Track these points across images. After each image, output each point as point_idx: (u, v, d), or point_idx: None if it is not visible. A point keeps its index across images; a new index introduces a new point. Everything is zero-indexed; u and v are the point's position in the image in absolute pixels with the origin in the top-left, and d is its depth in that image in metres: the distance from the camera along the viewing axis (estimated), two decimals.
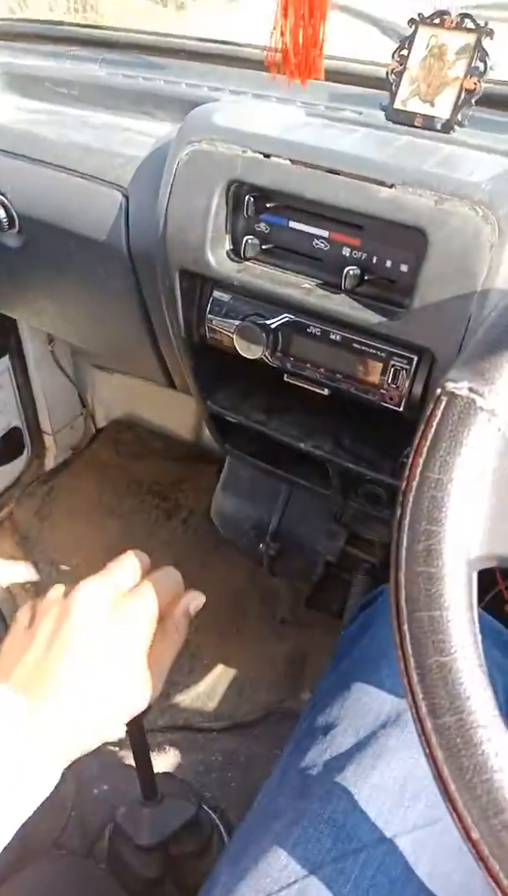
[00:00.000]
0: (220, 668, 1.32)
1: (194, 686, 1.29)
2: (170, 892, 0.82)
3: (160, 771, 0.94)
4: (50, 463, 1.64)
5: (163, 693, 1.29)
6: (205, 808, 0.91)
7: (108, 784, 0.87)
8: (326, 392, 0.73)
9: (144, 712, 0.63)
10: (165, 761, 1.09)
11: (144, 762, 0.75)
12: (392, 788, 0.56)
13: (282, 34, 0.55)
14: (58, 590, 0.54)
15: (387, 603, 0.68)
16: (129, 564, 0.54)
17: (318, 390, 0.74)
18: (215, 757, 1.15)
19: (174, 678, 1.30)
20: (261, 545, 1.06)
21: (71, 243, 0.81)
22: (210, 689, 1.30)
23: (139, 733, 0.71)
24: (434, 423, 0.41)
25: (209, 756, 1.15)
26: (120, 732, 0.50)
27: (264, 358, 0.70)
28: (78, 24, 1.17)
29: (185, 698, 1.27)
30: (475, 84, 0.65)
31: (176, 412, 1.59)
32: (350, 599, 1.02)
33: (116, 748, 1.13)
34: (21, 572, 1.45)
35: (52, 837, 0.77)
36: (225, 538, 1.15)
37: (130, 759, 1.10)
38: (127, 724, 0.64)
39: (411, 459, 0.41)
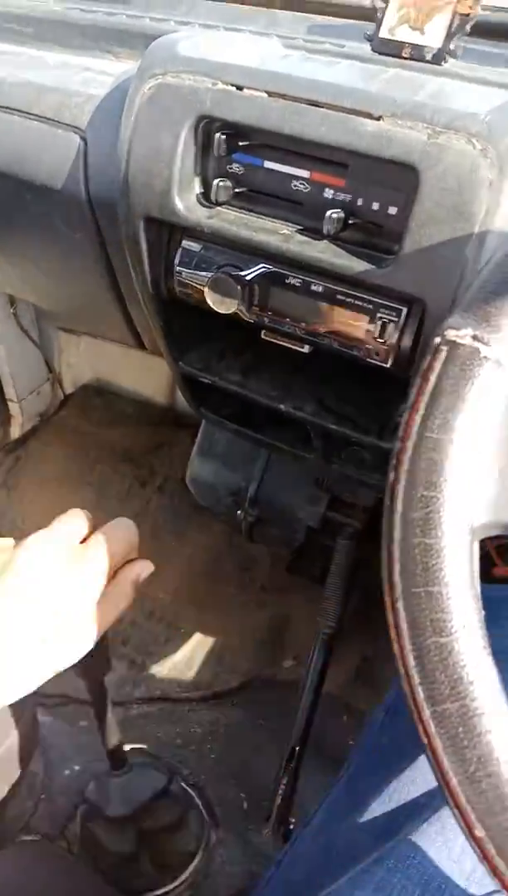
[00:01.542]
0: (198, 636, 1.29)
1: (170, 656, 1.26)
2: (145, 870, 0.80)
3: (136, 745, 0.91)
4: (16, 431, 1.58)
5: (138, 663, 1.27)
6: (180, 782, 0.88)
7: (79, 764, 0.84)
8: (306, 349, 0.69)
9: (104, 674, 0.64)
10: (140, 734, 1.06)
11: (108, 730, 0.72)
12: None
13: None
14: (6, 542, 0.52)
15: None
16: (75, 520, 0.52)
17: (298, 348, 0.69)
18: (193, 729, 1.12)
19: (150, 648, 1.27)
20: (239, 512, 1.02)
21: (25, 193, 0.75)
22: (188, 658, 1.27)
23: (101, 700, 0.69)
24: (433, 377, 0.36)
25: (187, 728, 1.12)
26: (47, 677, 0.49)
27: (240, 313, 0.65)
28: None
29: (161, 669, 1.24)
30: (469, 8, 0.59)
31: (148, 375, 1.53)
32: (333, 567, 0.99)
33: (87, 725, 1.10)
34: None
35: (21, 823, 0.74)
36: (202, 505, 1.11)
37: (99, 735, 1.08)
38: (89, 692, 0.65)
39: (406, 417, 0.37)
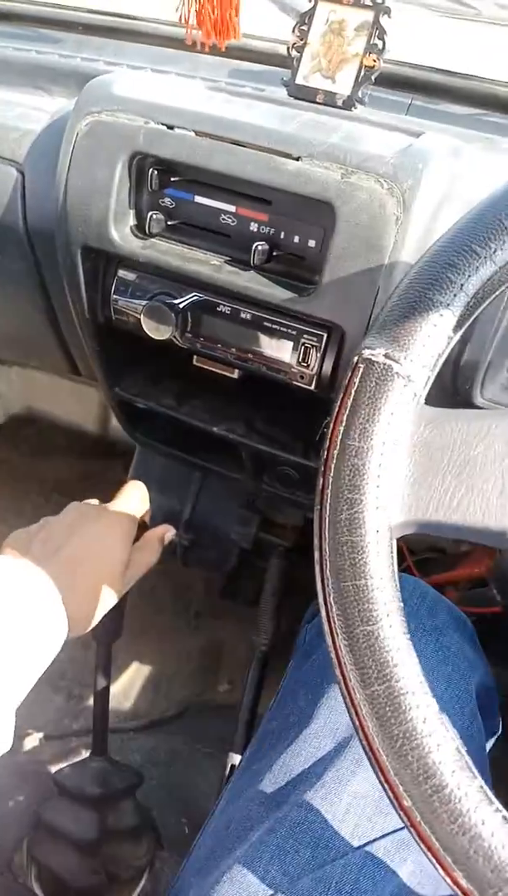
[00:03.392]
0: (134, 665, 1.29)
1: None
2: (96, 869, 0.80)
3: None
4: None
5: (76, 695, 1.26)
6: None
7: (24, 793, 0.83)
8: (236, 375, 0.72)
9: (113, 640, 0.74)
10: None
11: (102, 713, 0.79)
12: (372, 795, 0.54)
13: None
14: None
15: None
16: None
17: (228, 373, 0.72)
18: (133, 756, 1.12)
19: (87, 679, 1.25)
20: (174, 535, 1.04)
21: None
22: (126, 688, 1.26)
23: (105, 670, 0.77)
24: (353, 391, 0.40)
25: (127, 756, 1.12)
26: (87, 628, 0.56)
27: (174, 339, 0.68)
28: None
29: None
30: (374, 61, 0.65)
31: (79, 404, 1.53)
32: (266, 585, 1.01)
33: (33, 743, 1.09)
34: None
35: None
36: None
37: (44, 758, 1.07)
38: (97, 656, 0.77)
39: (331, 429, 0.40)
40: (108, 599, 0.57)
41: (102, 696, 0.78)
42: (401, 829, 0.52)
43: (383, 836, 0.53)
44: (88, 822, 0.79)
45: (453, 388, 0.62)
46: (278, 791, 0.55)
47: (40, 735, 1.15)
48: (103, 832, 0.79)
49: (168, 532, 0.65)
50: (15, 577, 0.51)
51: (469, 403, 0.62)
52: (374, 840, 0.52)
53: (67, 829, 0.79)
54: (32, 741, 1.14)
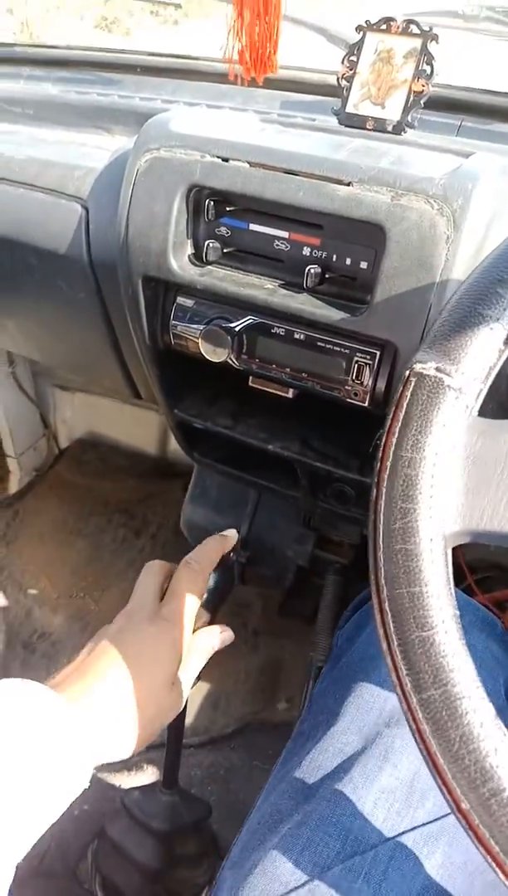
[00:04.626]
0: None
1: None
2: (158, 892, 0.81)
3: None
4: (14, 486, 1.62)
5: None
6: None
7: (88, 804, 0.85)
8: (290, 394, 0.74)
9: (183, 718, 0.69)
10: (144, 780, 1.07)
11: (175, 747, 0.78)
12: (400, 790, 0.55)
13: (238, 33, 0.56)
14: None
15: None
16: (149, 581, 0.58)
17: (283, 393, 0.74)
18: (193, 772, 1.13)
19: None
20: (231, 554, 1.06)
21: (32, 257, 0.81)
22: (186, 706, 1.28)
23: (178, 730, 0.76)
24: (405, 404, 0.41)
25: (189, 772, 1.13)
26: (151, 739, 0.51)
27: (230, 361, 0.71)
28: (30, 45, 1.17)
29: None
30: (423, 86, 0.67)
31: (139, 428, 1.58)
32: (323, 601, 1.02)
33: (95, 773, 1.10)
34: None
35: (33, 867, 0.75)
36: None
37: (108, 777, 1.09)
38: (169, 727, 0.69)
39: (384, 441, 0.42)
40: (165, 712, 0.52)
41: (177, 730, 0.78)
42: (430, 822, 0.54)
43: (412, 829, 0.53)
44: (154, 851, 0.80)
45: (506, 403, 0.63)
46: (307, 786, 0.57)
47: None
48: (168, 862, 0.80)
49: (225, 633, 0.60)
50: (46, 712, 0.45)
51: None
52: (403, 833, 0.53)
53: (131, 852, 0.80)
54: None
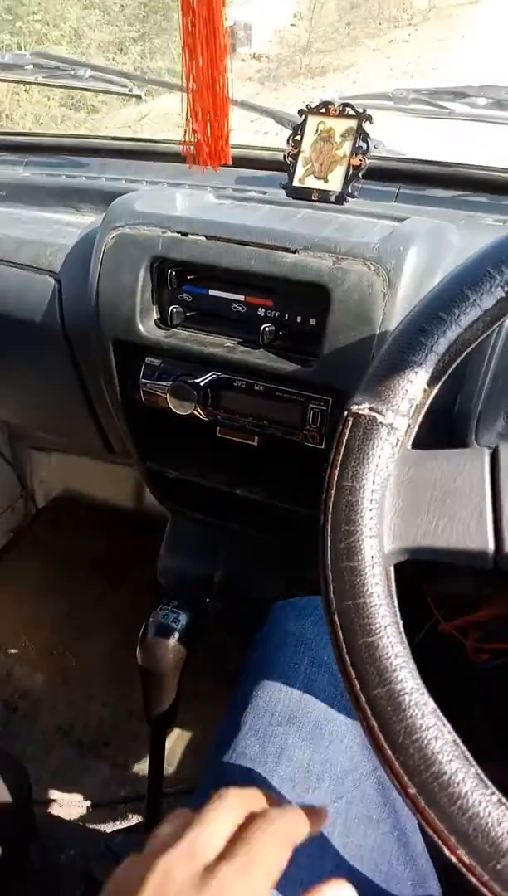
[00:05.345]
0: (176, 732, 1.32)
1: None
2: None
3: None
4: None
5: (120, 764, 1.29)
6: None
7: (74, 849, 0.87)
8: (255, 442, 0.80)
9: (165, 738, 0.78)
10: (128, 823, 1.09)
11: (156, 789, 0.82)
12: (298, 776, 0.61)
13: (194, 130, 0.65)
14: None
15: (275, 620, 0.77)
16: (216, 826, 0.43)
17: (248, 441, 0.80)
18: None
19: (131, 747, 1.30)
20: (208, 599, 1.10)
21: (7, 328, 0.88)
22: (168, 754, 1.29)
23: (159, 765, 0.78)
24: (344, 440, 0.48)
25: None
26: None
27: (197, 413, 0.77)
28: (2, 133, 1.26)
29: (143, 767, 1.27)
30: (360, 160, 0.76)
31: (115, 484, 1.63)
32: None
33: (81, 810, 1.12)
34: None
35: None
36: None
37: (94, 823, 1.10)
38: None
39: (327, 472, 0.48)
40: None
41: (156, 773, 0.80)
42: (328, 804, 0.59)
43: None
44: None
45: (450, 437, 0.70)
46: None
47: (88, 803, 1.18)
48: None
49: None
50: None
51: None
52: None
53: None
54: (80, 808, 1.17)
